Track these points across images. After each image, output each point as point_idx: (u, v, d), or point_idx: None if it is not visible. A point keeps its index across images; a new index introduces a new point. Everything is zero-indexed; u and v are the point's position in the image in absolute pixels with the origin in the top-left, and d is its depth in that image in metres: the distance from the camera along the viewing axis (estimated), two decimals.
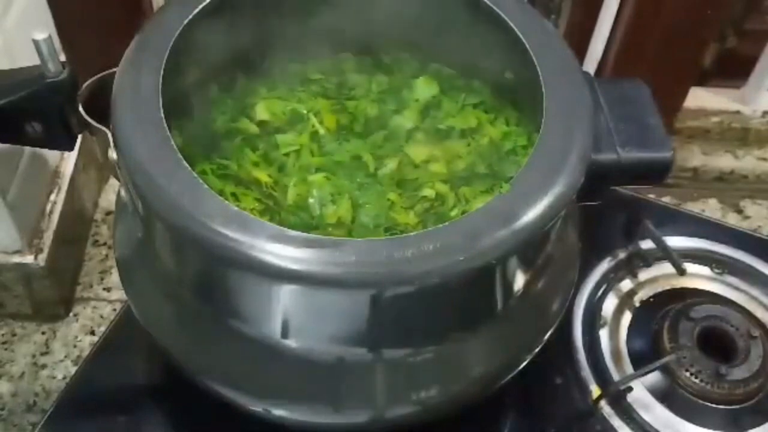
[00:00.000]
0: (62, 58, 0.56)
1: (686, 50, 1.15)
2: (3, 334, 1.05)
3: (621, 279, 0.77)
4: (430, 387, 0.54)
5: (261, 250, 0.44)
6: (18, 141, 0.58)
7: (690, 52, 1.17)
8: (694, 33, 1.12)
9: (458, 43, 0.62)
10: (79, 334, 1.06)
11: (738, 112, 1.29)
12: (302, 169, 0.58)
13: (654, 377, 0.69)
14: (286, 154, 0.59)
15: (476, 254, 0.46)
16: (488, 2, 0.57)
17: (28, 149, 0.96)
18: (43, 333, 1.06)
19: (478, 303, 0.53)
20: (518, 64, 0.57)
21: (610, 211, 0.80)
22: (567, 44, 0.57)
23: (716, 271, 0.78)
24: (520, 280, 0.53)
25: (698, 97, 1.28)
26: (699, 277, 0.78)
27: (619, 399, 0.68)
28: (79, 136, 0.58)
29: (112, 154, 0.51)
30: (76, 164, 1.09)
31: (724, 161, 1.32)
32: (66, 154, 1.08)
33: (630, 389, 0.68)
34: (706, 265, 0.79)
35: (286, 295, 0.49)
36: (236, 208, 0.46)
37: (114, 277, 1.12)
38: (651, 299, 0.76)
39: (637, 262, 0.78)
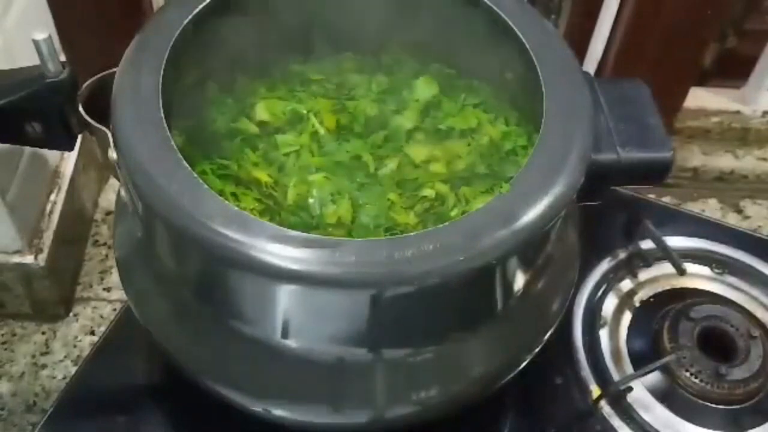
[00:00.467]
0: (62, 58, 0.56)
1: (686, 50, 1.15)
2: (3, 334, 1.05)
3: (621, 279, 0.77)
4: (430, 387, 0.54)
5: (261, 251, 0.44)
6: (18, 141, 0.58)
7: (690, 52, 1.17)
8: (694, 33, 1.12)
9: (458, 43, 0.62)
10: (79, 334, 1.06)
11: (738, 112, 1.29)
12: (302, 169, 0.58)
13: (654, 377, 0.69)
14: (286, 154, 0.59)
15: (476, 254, 0.46)
16: (488, 2, 0.57)
17: (28, 149, 0.96)
18: (43, 333, 1.06)
19: (478, 303, 0.53)
20: (518, 64, 0.57)
21: (610, 211, 0.80)
22: (567, 44, 0.57)
23: (716, 271, 0.78)
24: (520, 280, 0.53)
25: (698, 97, 1.28)
26: (699, 277, 0.78)
27: (619, 399, 0.68)
28: (79, 136, 0.58)
29: (112, 154, 0.51)
30: (76, 164, 1.09)
31: (724, 161, 1.32)
32: (66, 154, 1.08)
33: (630, 389, 0.68)
34: (706, 265, 0.79)
35: (286, 296, 0.49)
36: (236, 208, 0.46)
37: (114, 277, 1.12)
38: (651, 299, 0.76)
39: (637, 262, 0.78)
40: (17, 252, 0.99)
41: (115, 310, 1.08)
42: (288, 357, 0.52)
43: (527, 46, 0.55)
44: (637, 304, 0.75)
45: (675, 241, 0.78)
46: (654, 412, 0.68)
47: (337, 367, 0.52)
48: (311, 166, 0.58)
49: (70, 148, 0.59)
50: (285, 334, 0.51)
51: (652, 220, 0.77)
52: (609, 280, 0.77)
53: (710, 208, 1.29)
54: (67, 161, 1.08)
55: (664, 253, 0.76)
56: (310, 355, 0.52)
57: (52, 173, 1.06)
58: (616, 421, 0.68)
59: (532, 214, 0.47)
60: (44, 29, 0.52)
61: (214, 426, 0.65)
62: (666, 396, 0.68)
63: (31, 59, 0.54)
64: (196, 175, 0.47)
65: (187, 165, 0.48)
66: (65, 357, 1.04)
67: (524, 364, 0.58)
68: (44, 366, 1.03)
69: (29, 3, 0.96)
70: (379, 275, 0.45)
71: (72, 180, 1.08)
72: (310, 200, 0.56)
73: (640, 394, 0.68)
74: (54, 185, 1.06)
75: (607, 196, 0.59)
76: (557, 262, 0.57)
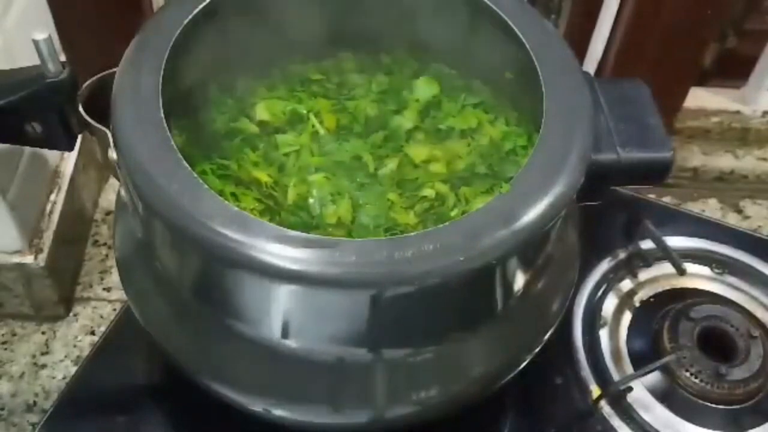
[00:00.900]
0: (62, 58, 0.56)
1: (686, 50, 1.15)
2: (3, 334, 1.05)
3: (621, 279, 0.77)
4: (430, 387, 0.54)
5: (261, 251, 0.44)
6: (18, 141, 0.58)
7: (690, 52, 1.17)
8: (694, 33, 1.12)
9: (458, 43, 0.62)
10: (79, 334, 1.06)
11: (738, 112, 1.28)
12: (302, 169, 0.58)
13: (654, 377, 0.69)
14: (286, 154, 0.59)
15: (476, 254, 0.46)
16: (488, 2, 0.57)
17: (28, 149, 0.96)
18: (43, 333, 1.06)
19: (478, 303, 0.53)
20: (518, 64, 0.57)
21: (610, 211, 0.80)
22: (567, 44, 0.57)
23: (716, 271, 0.78)
24: (520, 280, 0.53)
25: (698, 97, 1.27)
26: (699, 277, 0.78)
27: (619, 399, 0.68)
28: (79, 136, 0.58)
29: (112, 154, 0.51)
30: (76, 164, 1.09)
31: (724, 161, 1.32)
32: (66, 154, 1.08)
33: (630, 389, 0.68)
34: (706, 265, 0.79)
35: (285, 296, 0.49)
36: (236, 208, 0.46)
37: (114, 277, 1.11)
38: (651, 299, 0.76)
39: (637, 262, 0.78)
40: (17, 252, 0.99)
41: (115, 310, 1.08)
42: (288, 357, 0.52)
43: (527, 46, 0.55)
44: (637, 304, 0.75)
45: (675, 241, 0.78)
46: (654, 412, 0.68)
47: (337, 367, 0.52)
48: (311, 166, 0.58)
49: (70, 148, 0.59)
50: (285, 334, 0.51)
51: (652, 220, 0.78)
52: (609, 280, 0.77)
53: (710, 208, 1.29)
54: (67, 161, 1.08)
55: (664, 253, 0.76)
56: (310, 355, 0.52)
57: (52, 173, 1.06)
58: (616, 421, 0.68)
59: (532, 214, 0.47)
60: (44, 29, 0.52)
61: (214, 426, 0.65)
62: (666, 396, 0.68)
63: (31, 59, 0.54)
64: (196, 175, 0.47)
65: (187, 165, 0.48)
66: (65, 357, 1.04)
67: (524, 364, 0.58)
68: (44, 366, 1.03)
69: (29, 3, 0.96)
70: (379, 275, 0.45)
71: (72, 180, 1.08)
72: (310, 200, 0.56)
73: (640, 394, 0.68)
74: (54, 185, 1.05)
75: (607, 196, 0.59)
76: (557, 262, 0.57)
